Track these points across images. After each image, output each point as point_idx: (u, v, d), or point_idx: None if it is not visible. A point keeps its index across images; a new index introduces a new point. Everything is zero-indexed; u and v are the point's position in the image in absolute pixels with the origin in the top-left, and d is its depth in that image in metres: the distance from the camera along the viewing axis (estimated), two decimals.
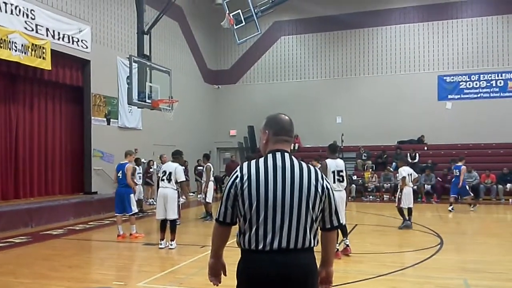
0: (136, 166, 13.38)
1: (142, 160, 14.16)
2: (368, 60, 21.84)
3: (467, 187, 14.20)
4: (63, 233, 10.39)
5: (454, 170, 14.40)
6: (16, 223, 10.53)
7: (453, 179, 14.39)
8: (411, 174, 10.70)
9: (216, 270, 2.68)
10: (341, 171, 7.46)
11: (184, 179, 8.89)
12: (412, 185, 10.77)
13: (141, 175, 13.64)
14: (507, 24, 20.10)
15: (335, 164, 7.46)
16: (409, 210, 10.63)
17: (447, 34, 20.82)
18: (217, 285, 2.73)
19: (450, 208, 13.83)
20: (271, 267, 2.34)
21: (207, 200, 11.93)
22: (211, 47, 23.72)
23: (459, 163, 14.08)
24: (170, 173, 8.46)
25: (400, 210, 10.62)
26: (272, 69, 23.22)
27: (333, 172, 7.39)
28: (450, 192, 14.37)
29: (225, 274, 2.71)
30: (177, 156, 8.81)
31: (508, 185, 16.78)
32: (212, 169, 12.10)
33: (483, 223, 12.46)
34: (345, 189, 7.60)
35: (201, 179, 13.25)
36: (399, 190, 10.69)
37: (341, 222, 2.63)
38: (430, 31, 21.03)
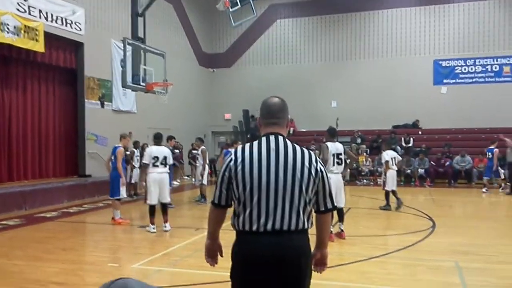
0: (134, 149, 13.36)
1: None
2: (364, 44, 21.73)
3: (499, 169, 14.84)
4: (57, 215, 10.40)
5: (487, 153, 14.91)
6: (9, 206, 10.52)
7: (488, 162, 14.94)
8: (394, 158, 10.95)
9: (213, 251, 2.73)
10: (340, 154, 7.59)
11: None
12: (395, 168, 10.99)
13: (138, 158, 13.59)
14: (504, 9, 20.02)
15: (334, 147, 7.59)
16: (393, 192, 10.88)
17: (443, 19, 20.72)
18: (214, 266, 2.79)
19: (484, 190, 14.37)
20: (265, 248, 2.37)
21: (203, 182, 12.01)
22: (206, 30, 23.51)
23: (492, 146, 14.67)
24: (165, 157, 8.44)
25: (387, 194, 10.88)
26: (268, 52, 23.07)
27: (333, 154, 7.50)
28: (484, 174, 15.01)
29: (221, 255, 2.76)
30: (161, 139, 8.84)
31: (501, 170, 16.86)
32: (207, 152, 12.16)
33: (475, 207, 12.58)
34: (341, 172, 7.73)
35: (195, 162, 13.23)
36: (383, 173, 10.98)
37: (335, 204, 2.66)
38: (426, 15, 20.91)
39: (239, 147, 2.57)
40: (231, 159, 2.51)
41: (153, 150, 8.51)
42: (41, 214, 10.51)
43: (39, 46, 12.35)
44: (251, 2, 14.52)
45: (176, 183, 16.64)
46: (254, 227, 2.40)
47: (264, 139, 2.54)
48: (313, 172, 2.47)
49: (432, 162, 17.65)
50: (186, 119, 20.44)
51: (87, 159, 14.67)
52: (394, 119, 20.69)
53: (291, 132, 21.18)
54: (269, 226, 2.38)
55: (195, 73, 22.18)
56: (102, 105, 15.44)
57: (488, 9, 20.18)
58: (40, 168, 13.90)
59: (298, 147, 2.54)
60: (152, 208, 8.42)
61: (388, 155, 10.86)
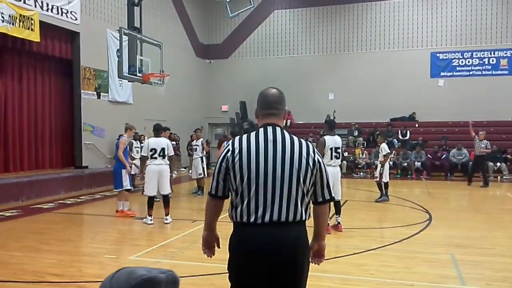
0: (133, 141, 13.30)
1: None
2: (361, 36, 21.67)
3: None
4: (53, 207, 10.38)
5: None
6: (6, 197, 10.48)
7: None
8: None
9: (210, 242, 2.73)
10: (338, 147, 7.57)
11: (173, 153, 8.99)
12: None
13: (138, 149, 13.50)
14: (501, 2, 19.98)
15: (333, 140, 7.56)
16: (386, 184, 11.06)
17: (440, 11, 20.67)
18: (211, 257, 2.78)
19: None
20: (263, 239, 2.37)
21: (204, 174, 12.09)
22: (203, 21, 23.36)
23: None
24: (163, 149, 8.35)
25: (380, 185, 11.02)
26: (265, 44, 22.97)
27: (331, 148, 7.47)
28: None
29: (218, 247, 2.75)
30: (161, 131, 8.71)
31: (498, 163, 16.93)
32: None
33: (471, 199, 12.63)
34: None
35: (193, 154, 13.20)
36: (380, 165, 11.01)
37: (333, 195, 2.67)
38: (424, 7, 20.86)
39: (237, 138, 2.56)
40: (228, 150, 2.50)
41: (150, 142, 8.42)
42: (37, 205, 10.49)
43: (34, 36, 12.24)
44: None
45: (173, 175, 16.60)
46: (252, 219, 2.39)
47: (262, 130, 2.53)
48: (310, 163, 2.48)
49: (428, 155, 17.69)
50: (182, 110, 20.37)
51: (83, 150, 14.61)
52: (391, 112, 20.68)
53: (288, 124, 21.17)
54: (267, 218, 2.38)
55: (191, 64, 22.08)
56: (99, 96, 15.36)
57: (485, 1, 20.13)
58: (36, 159, 13.83)
59: (296, 138, 2.54)
60: (150, 200, 8.37)
61: (387, 146, 11.01)
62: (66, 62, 14.54)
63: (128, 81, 13.79)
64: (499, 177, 16.66)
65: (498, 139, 17.79)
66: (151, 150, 8.31)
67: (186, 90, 20.85)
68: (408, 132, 19.24)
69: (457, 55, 20.50)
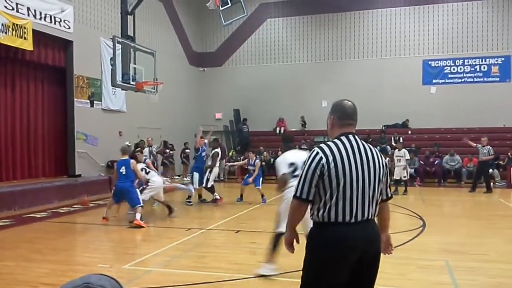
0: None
1: (127, 143, 13.97)
2: (354, 44, 21.81)
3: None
4: (46, 216, 10.30)
5: None
6: None
7: None
8: None
9: (292, 241, 3.01)
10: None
11: None
12: None
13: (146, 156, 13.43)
14: (492, 9, 20.22)
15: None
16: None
17: (432, 19, 20.87)
18: (292, 252, 3.07)
19: None
20: (359, 235, 2.72)
21: (209, 185, 12.20)
22: (197, 29, 23.42)
23: None
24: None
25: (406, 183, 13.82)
26: (258, 52, 23.04)
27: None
28: None
29: (298, 242, 3.02)
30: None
31: (490, 170, 17.00)
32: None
33: (465, 206, 12.69)
34: None
35: (188, 161, 13.19)
36: (407, 167, 13.85)
37: (391, 194, 3.07)
38: (415, 15, 21.05)
39: (324, 146, 2.79)
40: (321, 157, 2.73)
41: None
42: (30, 214, 10.40)
43: (27, 44, 12.20)
44: (242, 0, 14.50)
45: (167, 183, 16.56)
46: (348, 218, 2.70)
47: (345, 138, 2.84)
48: (383, 166, 2.86)
49: (421, 162, 17.77)
50: (176, 118, 20.34)
51: (76, 159, 14.53)
52: (384, 119, 20.79)
53: (281, 131, 21.20)
54: (359, 216, 2.72)
55: (185, 72, 22.10)
56: (92, 104, 15.31)
57: (476, 9, 20.36)
58: (29, 168, 13.74)
59: (366, 145, 2.91)
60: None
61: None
62: (59, 70, 14.50)
63: (122, 90, 13.76)
64: (492, 183, 16.71)
65: (491, 145, 17.86)
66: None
67: (179, 98, 20.83)
68: (401, 139, 19.32)
69: (449, 63, 20.68)
